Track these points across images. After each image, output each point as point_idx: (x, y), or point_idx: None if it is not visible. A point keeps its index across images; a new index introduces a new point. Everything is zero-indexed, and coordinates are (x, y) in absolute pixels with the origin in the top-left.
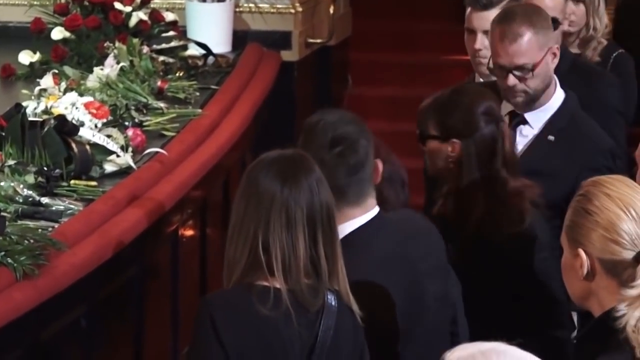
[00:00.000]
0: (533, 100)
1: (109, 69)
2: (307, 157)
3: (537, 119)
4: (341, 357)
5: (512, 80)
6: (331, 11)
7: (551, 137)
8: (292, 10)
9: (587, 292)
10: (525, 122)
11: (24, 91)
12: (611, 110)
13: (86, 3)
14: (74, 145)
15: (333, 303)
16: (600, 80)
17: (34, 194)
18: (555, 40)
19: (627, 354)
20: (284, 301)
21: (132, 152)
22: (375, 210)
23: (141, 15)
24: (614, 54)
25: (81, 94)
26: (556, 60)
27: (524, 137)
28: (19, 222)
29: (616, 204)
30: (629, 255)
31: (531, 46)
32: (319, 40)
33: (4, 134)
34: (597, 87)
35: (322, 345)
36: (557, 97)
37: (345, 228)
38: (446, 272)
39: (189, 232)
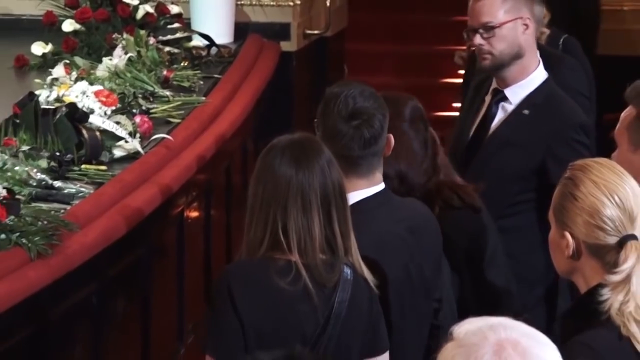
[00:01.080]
0: (501, 65)
1: (118, 59)
2: (316, 140)
3: (515, 95)
4: (356, 328)
5: (478, 39)
6: (328, 4)
7: (526, 111)
8: (291, 3)
9: (573, 268)
10: (505, 98)
11: (37, 80)
12: (574, 93)
13: None
14: (84, 132)
15: (349, 277)
16: (560, 64)
17: (46, 178)
18: (530, 12)
19: (613, 331)
20: (302, 276)
21: (140, 137)
22: (382, 185)
23: (147, 8)
24: (561, 40)
25: (91, 83)
26: (528, 32)
27: (505, 112)
28: (33, 204)
29: (601, 190)
30: (612, 240)
31: (496, 7)
32: (316, 32)
33: (18, 121)
34: (557, 71)
35: (336, 317)
36: (538, 76)
37: (351, 197)
38: (437, 261)
39: (194, 214)
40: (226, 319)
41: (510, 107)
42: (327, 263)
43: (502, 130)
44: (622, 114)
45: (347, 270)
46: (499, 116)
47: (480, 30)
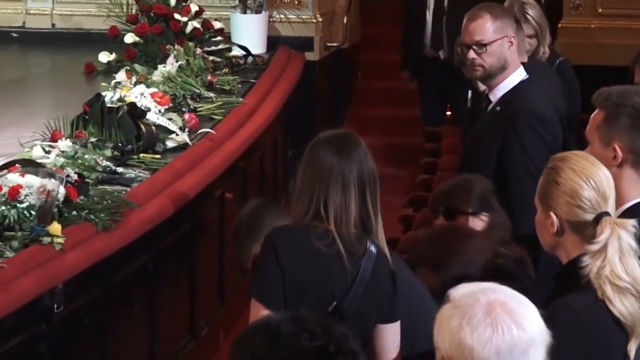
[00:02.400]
0: (490, 76)
1: (170, 66)
2: (355, 134)
3: (495, 96)
4: (376, 294)
5: (471, 54)
6: (345, 21)
7: (498, 108)
8: (314, 20)
9: (557, 244)
10: (490, 100)
11: (103, 84)
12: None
13: (152, 14)
14: (142, 126)
15: (373, 251)
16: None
17: (111, 165)
18: (514, 31)
19: (590, 294)
20: (337, 242)
21: (188, 131)
22: None
23: (195, 24)
24: (557, 61)
25: (148, 86)
26: (513, 48)
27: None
28: (99, 186)
29: (579, 176)
30: (590, 217)
31: (486, 27)
32: (335, 44)
33: (87, 117)
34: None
35: (361, 280)
36: (515, 78)
37: None
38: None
39: (233, 196)
40: (270, 269)
41: (490, 106)
42: (358, 236)
43: (478, 126)
44: (592, 116)
45: (373, 246)
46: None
47: (474, 47)
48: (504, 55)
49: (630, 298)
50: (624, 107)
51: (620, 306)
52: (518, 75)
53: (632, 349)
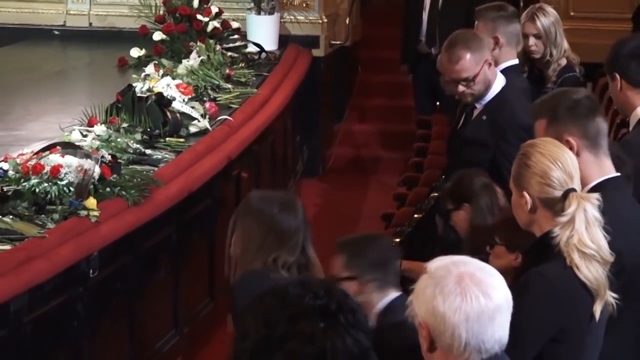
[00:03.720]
0: (480, 97)
1: (193, 61)
2: (294, 195)
3: (479, 104)
4: None
5: (461, 88)
6: (347, 22)
7: (484, 117)
8: (320, 21)
9: (531, 220)
10: (475, 106)
11: (134, 76)
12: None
13: (177, 15)
14: (168, 114)
15: None
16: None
17: (140, 147)
18: (489, 51)
19: (560, 262)
20: (293, 273)
21: (209, 118)
22: None
23: (215, 23)
24: (565, 76)
25: (174, 78)
26: (492, 67)
27: (472, 116)
28: (130, 166)
29: (547, 158)
30: (558, 193)
31: (469, 64)
32: (338, 42)
33: (120, 105)
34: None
35: None
36: (496, 87)
37: None
38: None
39: (247, 175)
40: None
41: (475, 112)
42: (302, 276)
43: (466, 129)
44: (535, 128)
45: None
46: (469, 119)
47: (462, 83)
48: (488, 78)
49: (595, 264)
50: (558, 106)
51: (587, 272)
52: (498, 83)
53: (597, 310)
